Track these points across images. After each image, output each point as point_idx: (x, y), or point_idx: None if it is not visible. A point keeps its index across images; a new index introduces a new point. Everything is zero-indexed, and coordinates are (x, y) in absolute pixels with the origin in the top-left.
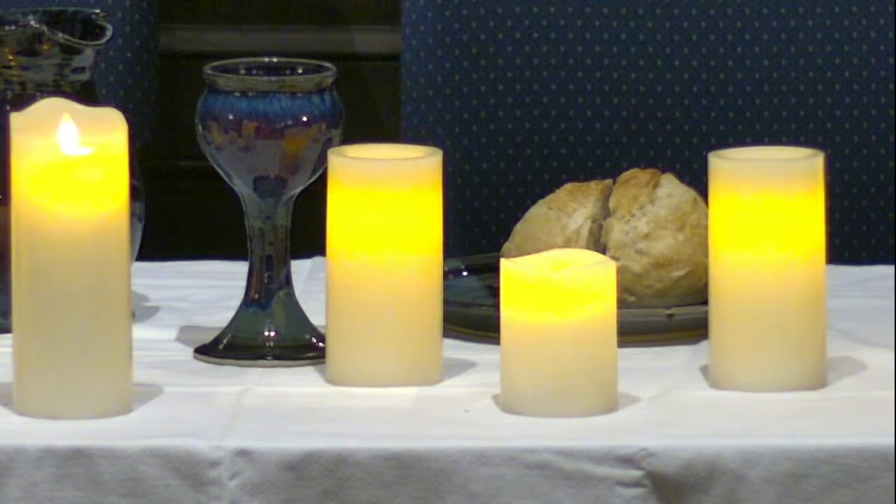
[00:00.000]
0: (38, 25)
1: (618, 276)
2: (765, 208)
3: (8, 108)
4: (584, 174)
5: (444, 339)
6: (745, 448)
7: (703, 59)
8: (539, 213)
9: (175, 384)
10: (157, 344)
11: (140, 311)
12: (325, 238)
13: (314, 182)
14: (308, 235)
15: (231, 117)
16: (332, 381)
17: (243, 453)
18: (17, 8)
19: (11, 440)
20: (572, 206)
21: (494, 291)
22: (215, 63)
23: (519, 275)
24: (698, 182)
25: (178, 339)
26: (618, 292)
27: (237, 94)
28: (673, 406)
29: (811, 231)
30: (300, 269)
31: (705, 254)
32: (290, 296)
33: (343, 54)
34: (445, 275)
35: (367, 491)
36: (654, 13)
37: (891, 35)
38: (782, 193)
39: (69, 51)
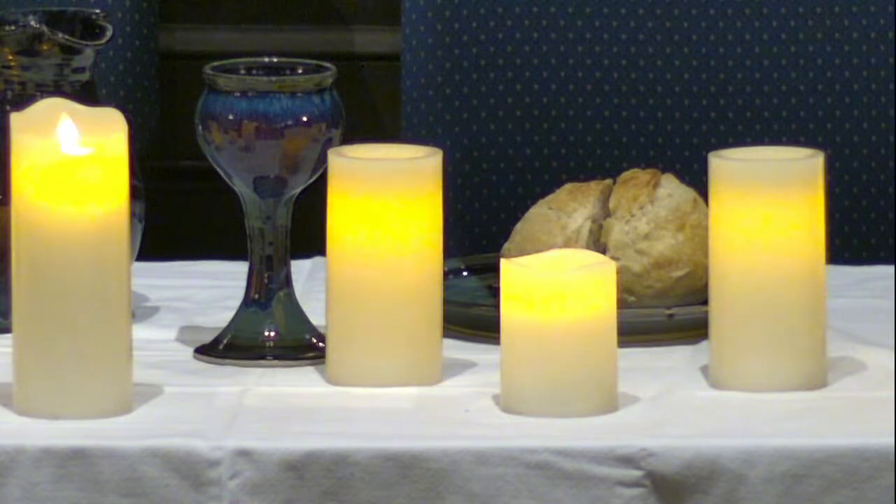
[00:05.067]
0: (38, 25)
1: (618, 276)
2: (765, 208)
3: (8, 108)
4: (584, 174)
5: (444, 339)
6: (745, 448)
7: (703, 59)
8: (539, 213)
9: (175, 384)
10: (157, 344)
11: (140, 311)
12: (325, 238)
13: (314, 182)
14: (308, 235)
15: (231, 117)
16: (332, 381)
17: (243, 453)
18: (17, 8)
19: (11, 440)
20: (572, 206)
21: (494, 291)
22: (215, 63)
23: (519, 275)
24: (698, 182)
25: (178, 339)
26: (618, 292)
27: (237, 94)
28: (673, 406)
29: (811, 231)
30: (300, 269)
31: (705, 254)
32: (290, 296)
33: (343, 54)
34: (445, 275)
35: (367, 491)
36: (654, 13)
37: (891, 35)
38: (782, 193)
39: (69, 51)
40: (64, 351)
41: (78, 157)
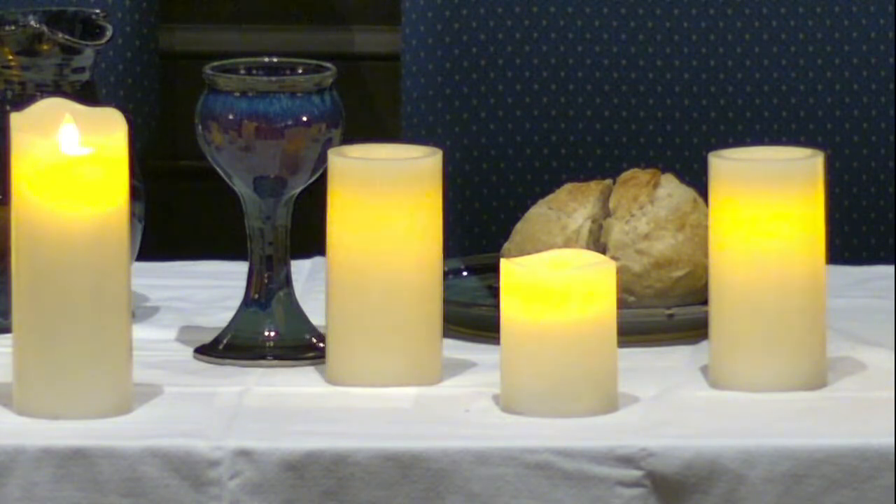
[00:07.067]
0: (38, 25)
1: (618, 276)
2: (765, 208)
3: (8, 108)
4: (584, 174)
5: (444, 339)
6: (745, 448)
7: (703, 59)
8: (539, 213)
9: (175, 384)
10: (157, 344)
11: (140, 311)
12: (325, 238)
13: (314, 182)
14: (308, 235)
15: (231, 117)
16: (332, 381)
17: (243, 453)
18: (17, 8)
19: (11, 440)
20: (572, 206)
21: (494, 291)
22: (215, 63)
23: (519, 275)
24: (698, 182)
25: (178, 339)
26: (618, 292)
27: (237, 94)
28: (673, 406)
29: (811, 231)
30: (300, 269)
31: (705, 254)
32: (290, 296)
33: (343, 54)
34: (445, 275)
35: (367, 491)
36: (654, 13)
37: (891, 35)
38: (782, 193)
39: (69, 51)
40: (64, 351)
41: (78, 157)
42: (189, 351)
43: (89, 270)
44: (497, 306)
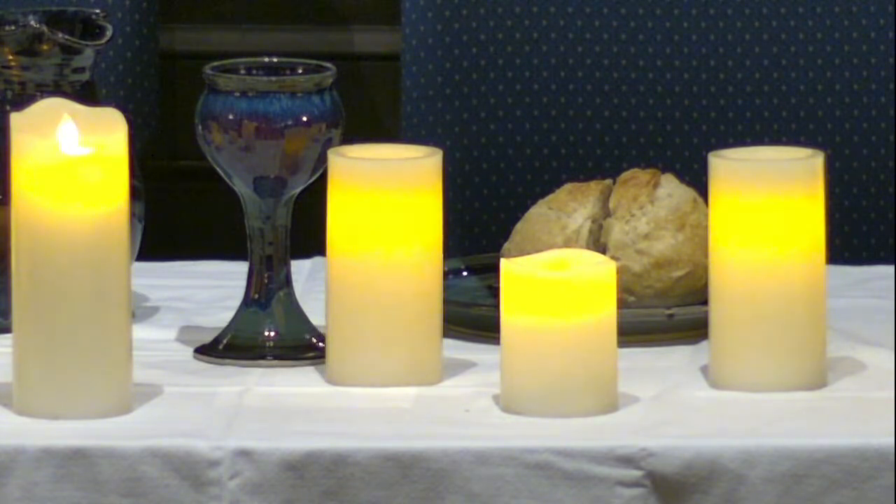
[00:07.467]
0: (38, 25)
1: (618, 276)
2: (765, 208)
3: (8, 108)
4: (584, 174)
5: (444, 339)
6: (745, 448)
7: (703, 59)
8: (539, 213)
9: (175, 384)
10: (157, 344)
11: (140, 311)
12: (325, 238)
13: (314, 182)
14: (308, 235)
15: (231, 117)
16: (332, 381)
17: (243, 453)
18: (17, 8)
19: (11, 440)
20: (572, 206)
21: (494, 291)
22: (215, 63)
23: (519, 275)
24: (698, 182)
25: (178, 339)
26: (618, 292)
27: (237, 94)
28: (673, 406)
29: (811, 231)
30: (300, 269)
31: (705, 254)
32: (290, 296)
33: (343, 54)
34: (445, 275)
35: (367, 491)
36: (654, 13)
37: (891, 35)
38: (782, 193)
39: (69, 51)
40: (64, 351)
41: (78, 157)
42: (189, 351)
43: (89, 270)
44: (497, 306)
